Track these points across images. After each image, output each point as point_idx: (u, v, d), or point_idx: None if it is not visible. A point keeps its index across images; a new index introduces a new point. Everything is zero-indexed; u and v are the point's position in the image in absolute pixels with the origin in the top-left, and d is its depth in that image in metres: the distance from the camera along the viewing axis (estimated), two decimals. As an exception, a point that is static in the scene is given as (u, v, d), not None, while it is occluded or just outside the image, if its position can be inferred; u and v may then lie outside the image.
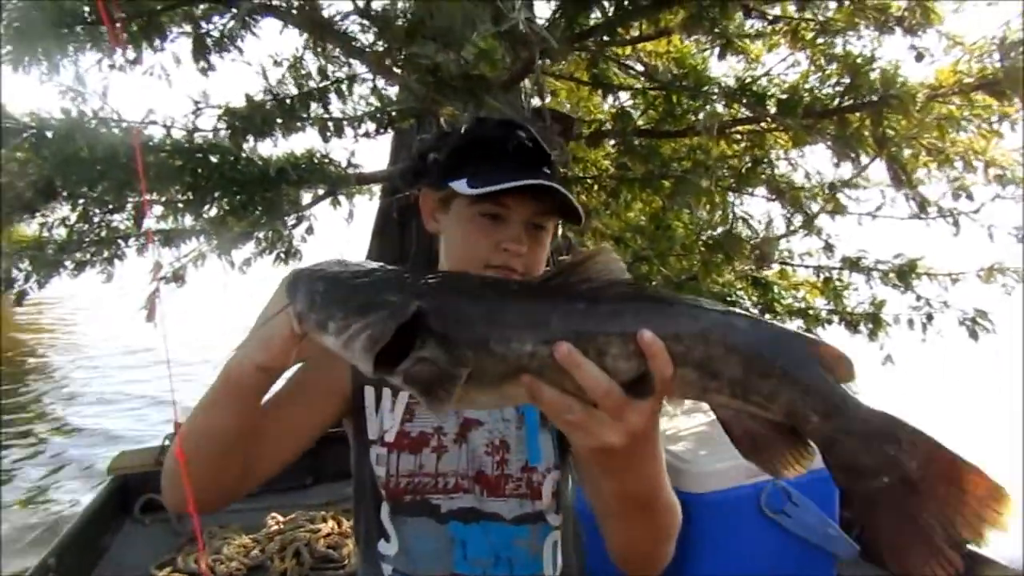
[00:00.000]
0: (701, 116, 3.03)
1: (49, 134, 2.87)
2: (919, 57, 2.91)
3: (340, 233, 4.87)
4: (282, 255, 4.97)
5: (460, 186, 1.15)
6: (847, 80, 2.86)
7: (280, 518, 3.16)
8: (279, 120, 2.88)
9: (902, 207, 3.34)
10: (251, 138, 2.95)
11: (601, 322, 0.76)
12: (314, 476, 3.61)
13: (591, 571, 2.51)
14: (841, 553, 2.18)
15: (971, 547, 0.71)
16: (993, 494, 0.69)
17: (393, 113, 3.17)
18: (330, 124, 3.11)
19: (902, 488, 0.71)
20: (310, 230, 4.92)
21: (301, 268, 0.86)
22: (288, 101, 2.96)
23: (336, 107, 3.18)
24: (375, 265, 0.86)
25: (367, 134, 3.26)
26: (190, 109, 2.94)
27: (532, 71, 2.29)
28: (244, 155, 2.91)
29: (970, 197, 3.32)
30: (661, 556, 1.06)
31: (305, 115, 3.01)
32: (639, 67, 3.73)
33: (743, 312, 0.80)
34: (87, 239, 4.26)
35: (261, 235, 4.64)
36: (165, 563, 2.82)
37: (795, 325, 3.90)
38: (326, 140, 3.06)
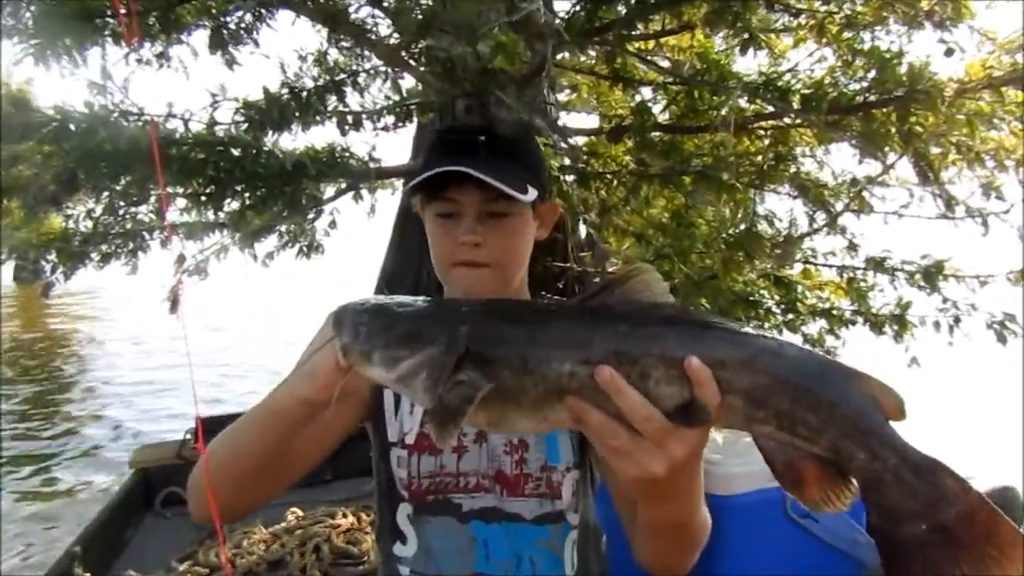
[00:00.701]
0: (723, 112, 2.99)
1: (72, 127, 2.90)
2: (949, 52, 2.83)
3: (362, 228, 4.89)
4: (304, 249, 5.00)
5: (406, 189, 1.18)
6: (872, 75, 2.79)
7: (300, 513, 3.18)
8: (296, 113, 2.88)
9: (929, 206, 3.26)
10: (270, 131, 2.97)
11: (645, 344, 0.74)
12: (334, 472, 3.63)
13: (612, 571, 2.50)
14: (869, 561, 2.13)
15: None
16: None
17: (412, 107, 3.17)
18: (349, 117, 3.12)
19: (937, 537, 0.69)
20: (333, 224, 4.95)
21: (346, 302, 0.87)
22: (304, 94, 2.95)
23: (354, 100, 3.19)
24: (417, 298, 0.87)
25: (386, 128, 3.26)
26: (208, 102, 2.95)
27: (543, 67, 2.26)
28: (266, 149, 2.92)
29: (1000, 197, 3.22)
30: (688, 564, 1.07)
31: (321, 108, 3.01)
32: (664, 63, 3.70)
33: (790, 342, 0.78)
34: (112, 231, 4.32)
35: (283, 229, 4.68)
36: (186, 556, 2.86)
37: (818, 326, 3.84)
38: (344, 133, 3.06)
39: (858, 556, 2.11)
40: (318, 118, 3.07)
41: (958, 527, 0.69)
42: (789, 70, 3.29)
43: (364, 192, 5.00)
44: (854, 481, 0.74)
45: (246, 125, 2.93)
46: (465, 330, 0.77)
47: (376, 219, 5.12)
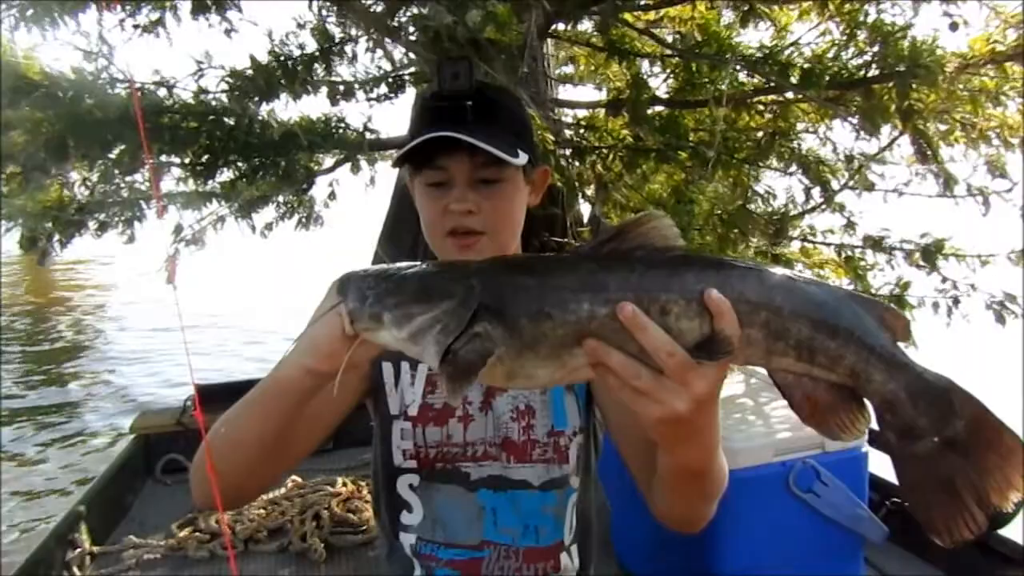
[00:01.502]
0: (721, 86, 2.92)
1: (59, 93, 2.87)
2: (954, 27, 2.76)
3: (359, 199, 4.86)
4: (303, 220, 4.98)
5: (394, 159, 1.17)
6: (873, 50, 2.72)
7: (300, 481, 3.18)
8: (282, 82, 2.83)
9: (931, 185, 3.20)
10: (261, 101, 2.92)
11: (662, 282, 0.74)
12: (334, 441, 3.63)
13: (615, 535, 2.50)
14: (870, 535, 2.14)
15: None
16: None
17: (406, 78, 3.12)
18: (340, 87, 3.07)
19: (947, 449, 0.74)
20: (332, 196, 4.92)
21: (350, 271, 0.84)
22: (290, 63, 2.90)
23: (346, 72, 3.13)
24: (417, 262, 0.84)
25: (379, 98, 3.21)
26: (193, 70, 2.89)
27: (526, 36, 2.21)
28: (260, 119, 2.88)
29: (1003, 175, 3.16)
30: (707, 515, 1.06)
31: (309, 77, 2.95)
32: (666, 35, 3.62)
33: (802, 274, 0.79)
34: (110, 200, 4.30)
35: (281, 199, 4.65)
36: (186, 523, 2.86)
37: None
38: (334, 103, 3.01)
39: (858, 530, 2.11)
40: (308, 88, 3.01)
41: (966, 439, 0.73)
42: (791, 44, 3.22)
43: (363, 164, 4.97)
44: (868, 406, 0.76)
45: (234, 94, 2.87)
46: (477, 282, 0.76)
47: (376, 191, 5.11)
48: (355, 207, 5.03)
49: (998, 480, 0.73)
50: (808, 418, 0.78)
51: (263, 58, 2.98)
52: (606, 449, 1.33)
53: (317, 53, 3.04)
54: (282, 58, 2.98)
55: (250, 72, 2.88)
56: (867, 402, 0.76)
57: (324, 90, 3.11)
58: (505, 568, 1.19)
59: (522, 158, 1.15)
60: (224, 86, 2.89)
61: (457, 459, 1.19)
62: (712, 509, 1.04)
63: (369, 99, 3.25)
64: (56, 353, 8.85)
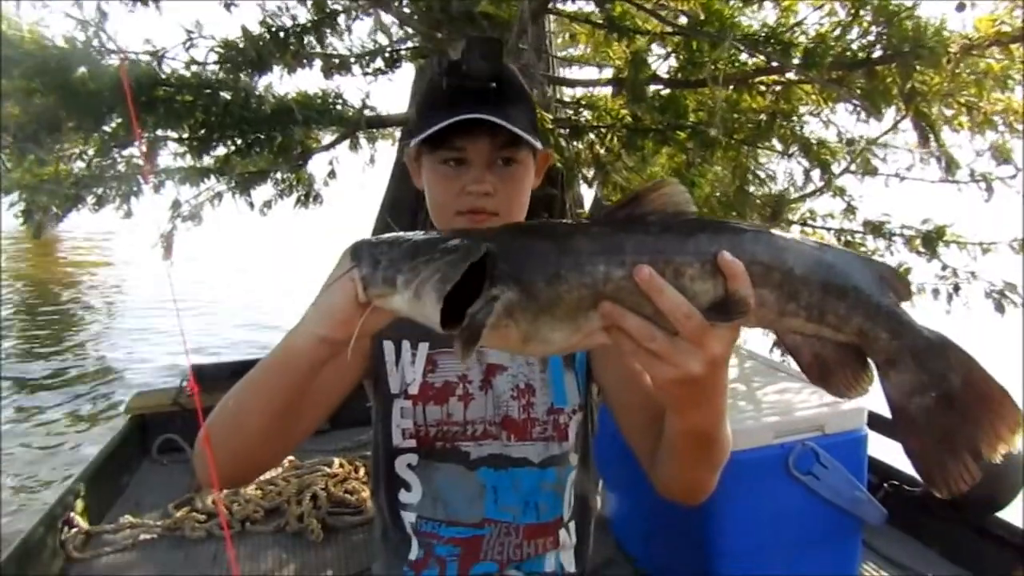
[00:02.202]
0: (719, 65, 2.87)
1: (51, 64, 2.82)
2: (960, 7, 2.70)
3: (357, 178, 4.83)
4: (302, 198, 4.94)
5: (417, 140, 1.14)
6: (877, 30, 2.66)
7: (297, 462, 3.17)
8: (275, 54, 2.78)
9: (933, 170, 3.15)
10: (253, 74, 2.88)
11: (676, 245, 0.75)
12: (331, 422, 3.62)
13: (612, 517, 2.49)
14: (869, 517, 2.13)
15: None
16: (1014, 417, 0.76)
17: (403, 52, 3.07)
18: (336, 60, 3.02)
19: (944, 402, 0.77)
20: (332, 174, 4.88)
21: (361, 238, 0.84)
22: (282, 34, 2.84)
23: (342, 44, 3.07)
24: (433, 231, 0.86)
25: (375, 72, 3.16)
26: (183, 40, 2.84)
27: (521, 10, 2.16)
28: (258, 93, 2.84)
29: (1008, 161, 3.10)
30: (710, 486, 1.06)
31: (301, 49, 2.90)
32: (668, 13, 3.56)
33: (809, 239, 0.81)
34: (108, 174, 4.26)
35: (279, 176, 4.62)
36: (183, 503, 2.85)
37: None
38: (328, 77, 2.97)
39: (857, 513, 2.10)
40: (303, 61, 2.96)
41: (961, 393, 0.77)
42: (796, 24, 3.16)
43: (363, 141, 4.93)
44: (872, 365, 0.79)
45: (227, 66, 2.83)
46: (493, 246, 0.76)
47: (374, 170, 5.07)
48: (353, 186, 5.00)
49: (988, 432, 0.76)
50: (818, 379, 0.81)
51: (256, 29, 2.93)
52: (603, 432, 1.34)
53: (309, 24, 2.99)
54: (273, 29, 2.93)
55: (242, 44, 2.83)
56: (870, 361, 0.79)
57: (319, 64, 3.05)
58: (505, 545, 1.20)
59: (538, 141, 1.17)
60: (214, 57, 2.84)
61: (457, 438, 1.20)
62: (715, 479, 1.06)
63: (366, 73, 3.20)
64: (54, 331, 8.85)
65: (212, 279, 9.85)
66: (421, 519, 1.21)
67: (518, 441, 1.21)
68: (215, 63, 2.92)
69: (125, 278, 11.77)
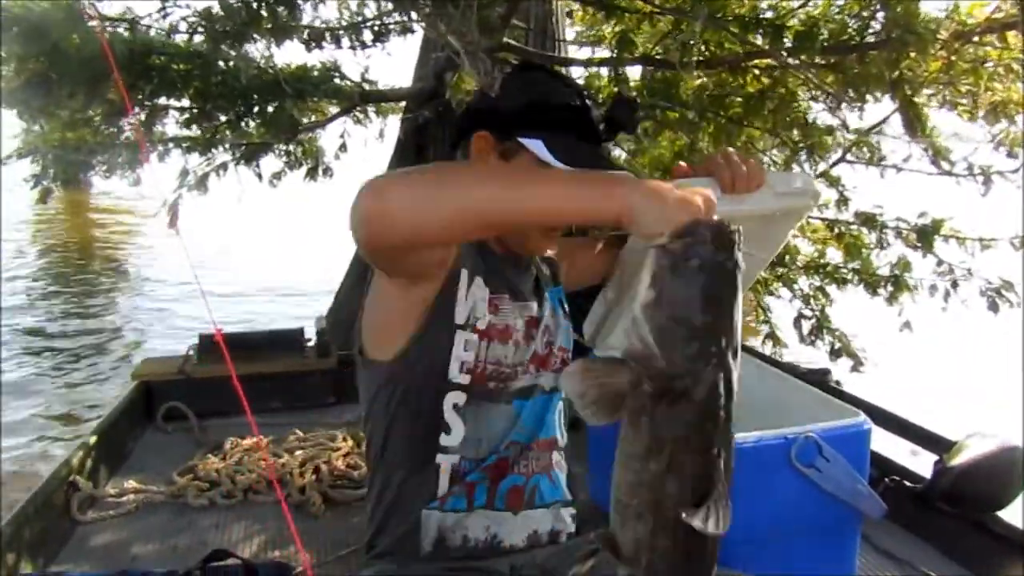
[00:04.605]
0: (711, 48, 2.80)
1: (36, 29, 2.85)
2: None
3: (359, 152, 4.83)
4: (311, 171, 4.96)
5: (538, 148, 1.19)
6: (868, 13, 2.57)
7: (301, 434, 3.19)
8: (251, 26, 2.76)
9: (928, 162, 3.03)
10: (234, 44, 2.86)
11: None
12: (337, 396, 3.63)
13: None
14: (869, 512, 2.09)
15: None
16: None
17: (391, 26, 3.04)
18: (326, 34, 3.00)
19: None
20: (343, 148, 4.89)
21: None
22: (255, 4, 2.80)
23: (329, 15, 3.03)
24: None
25: (362, 45, 3.12)
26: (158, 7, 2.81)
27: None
28: (232, 64, 2.83)
29: (1009, 154, 2.98)
30: None
31: (273, 23, 2.86)
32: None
33: None
34: (114, 142, 4.32)
35: (285, 148, 4.64)
36: (186, 470, 2.87)
37: (807, 282, 3.68)
38: (309, 50, 2.95)
39: (858, 506, 2.07)
40: (283, 32, 2.93)
41: None
42: (793, 11, 3.06)
43: (372, 115, 4.92)
44: None
45: (207, 36, 2.82)
46: None
47: (375, 145, 5.06)
48: (357, 159, 4.99)
49: None
50: None
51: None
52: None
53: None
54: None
55: (219, 13, 2.82)
56: None
57: (303, 36, 3.03)
58: (523, 457, 1.29)
59: None
60: (188, 26, 2.83)
61: (507, 379, 1.27)
62: None
63: (352, 47, 3.18)
64: (82, 296, 9.01)
65: (222, 249, 9.91)
66: (464, 460, 1.24)
67: (543, 370, 1.33)
68: (191, 32, 2.91)
69: (138, 246, 11.92)
